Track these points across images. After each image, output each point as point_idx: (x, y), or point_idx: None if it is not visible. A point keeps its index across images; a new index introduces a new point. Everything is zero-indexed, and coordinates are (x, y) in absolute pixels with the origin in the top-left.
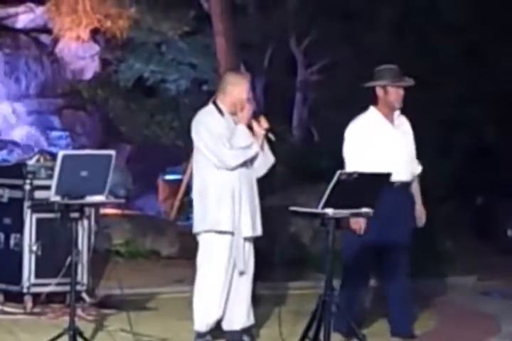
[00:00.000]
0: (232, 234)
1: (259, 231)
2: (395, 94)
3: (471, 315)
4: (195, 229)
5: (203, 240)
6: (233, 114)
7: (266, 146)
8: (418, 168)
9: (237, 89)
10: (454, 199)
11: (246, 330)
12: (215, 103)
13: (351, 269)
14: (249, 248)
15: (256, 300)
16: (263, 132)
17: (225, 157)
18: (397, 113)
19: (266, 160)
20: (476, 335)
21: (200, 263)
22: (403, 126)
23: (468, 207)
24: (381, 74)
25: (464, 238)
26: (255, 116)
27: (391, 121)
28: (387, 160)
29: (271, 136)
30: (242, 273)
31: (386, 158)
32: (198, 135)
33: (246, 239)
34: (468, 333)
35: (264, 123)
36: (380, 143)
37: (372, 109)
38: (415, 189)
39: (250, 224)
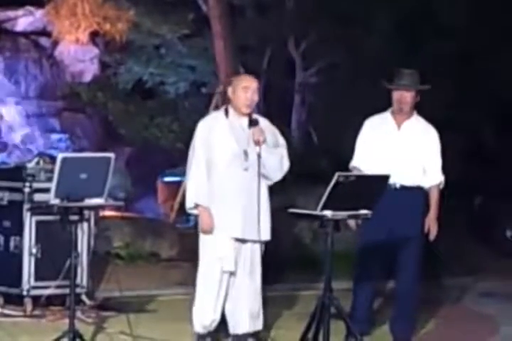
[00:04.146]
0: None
1: (263, 236)
2: (395, 96)
3: (469, 317)
4: None
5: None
6: (242, 115)
7: (284, 151)
8: (435, 178)
9: (230, 89)
10: (452, 200)
11: (252, 335)
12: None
13: (361, 270)
14: (250, 250)
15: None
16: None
17: (189, 166)
18: (414, 116)
19: (282, 164)
20: (475, 337)
21: (199, 262)
22: (416, 130)
23: (466, 207)
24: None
25: (463, 239)
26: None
27: (399, 123)
28: (384, 160)
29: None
30: (232, 274)
31: (383, 158)
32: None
33: (239, 240)
34: (467, 334)
35: (258, 135)
36: (380, 143)
37: (388, 110)
38: (432, 199)
39: (241, 226)
